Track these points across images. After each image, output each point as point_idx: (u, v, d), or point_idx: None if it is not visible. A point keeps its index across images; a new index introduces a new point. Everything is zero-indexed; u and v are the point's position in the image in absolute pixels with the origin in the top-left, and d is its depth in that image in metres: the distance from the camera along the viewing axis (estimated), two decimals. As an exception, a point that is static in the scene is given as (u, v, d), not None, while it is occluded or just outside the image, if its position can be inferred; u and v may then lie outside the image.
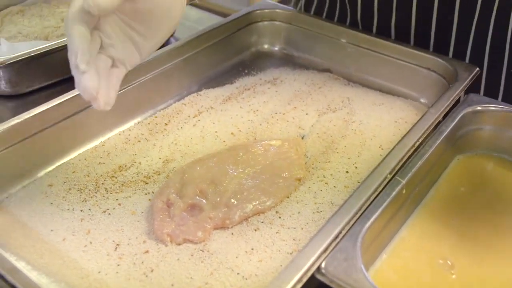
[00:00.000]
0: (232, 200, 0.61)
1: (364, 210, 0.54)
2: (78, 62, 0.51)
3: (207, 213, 0.60)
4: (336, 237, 0.51)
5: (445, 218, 0.63)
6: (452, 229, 0.61)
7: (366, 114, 0.81)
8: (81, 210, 0.62)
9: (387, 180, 0.58)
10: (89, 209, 0.62)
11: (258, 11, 0.97)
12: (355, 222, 0.53)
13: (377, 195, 0.56)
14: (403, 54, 0.86)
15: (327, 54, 0.94)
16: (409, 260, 0.57)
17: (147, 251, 0.57)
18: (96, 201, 0.63)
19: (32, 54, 0.79)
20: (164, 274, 0.54)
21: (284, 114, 0.80)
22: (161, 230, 0.58)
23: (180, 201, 0.61)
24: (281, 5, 1.00)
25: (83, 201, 0.63)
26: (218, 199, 0.61)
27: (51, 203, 0.63)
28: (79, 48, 0.51)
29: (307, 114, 0.81)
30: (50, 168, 0.68)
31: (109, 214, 0.62)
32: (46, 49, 0.80)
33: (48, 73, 0.84)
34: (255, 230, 0.60)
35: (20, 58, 0.78)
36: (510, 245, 0.60)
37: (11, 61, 0.77)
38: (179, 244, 0.57)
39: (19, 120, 0.64)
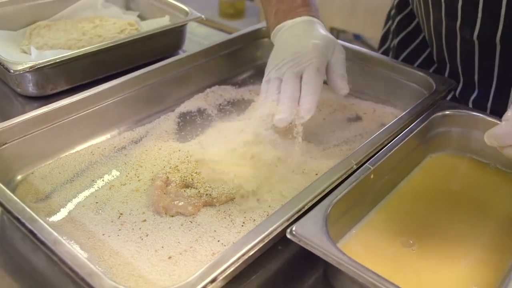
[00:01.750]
0: (221, 183, 0.73)
1: (332, 190, 0.65)
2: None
3: (198, 192, 0.72)
4: (300, 209, 0.63)
5: (413, 206, 0.73)
6: (418, 215, 0.72)
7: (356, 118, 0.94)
8: (94, 186, 0.75)
9: (353, 168, 0.69)
10: (101, 186, 0.75)
11: (264, 28, 1.10)
12: (321, 198, 0.64)
13: (345, 179, 0.67)
14: (393, 69, 0.99)
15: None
16: (375, 237, 0.68)
17: (144, 220, 0.69)
18: (109, 179, 0.76)
19: (58, 61, 0.92)
20: (156, 238, 0.66)
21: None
22: (158, 203, 0.70)
23: (177, 180, 0.73)
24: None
25: (98, 177, 0.76)
26: (210, 181, 0.73)
27: (69, 180, 0.76)
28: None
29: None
30: (72, 151, 0.81)
31: (116, 190, 0.74)
32: (70, 57, 0.94)
33: (70, 78, 0.97)
34: (239, 208, 0.71)
35: (47, 64, 0.91)
36: (464, 230, 0.70)
37: (39, 66, 0.91)
38: (172, 216, 0.70)
39: (48, 109, 0.78)
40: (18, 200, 0.60)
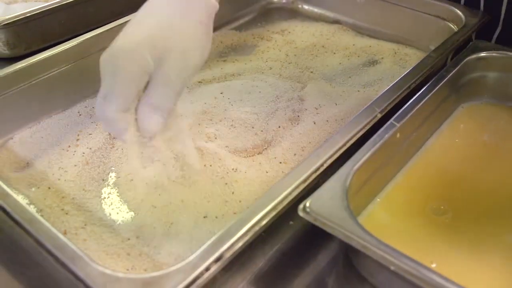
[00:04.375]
0: None
1: (352, 149, 0.57)
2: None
3: None
4: (317, 169, 0.55)
5: (444, 166, 0.64)
6: (450, 177, 0.63)
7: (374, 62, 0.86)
8: (79, 150, 0.68)
9: (377, 118, 0.61)
10: (90, 150, 0.68)
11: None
12: (336, 160, 0.57)
13: (364, 135, 0.59)
14: (412, 2, 0.89)
15: (336, 5, 0.97)
16: (402, 204, 0.59)
17: None
18: (94, 142, 0.69)
19: (28, 15, 0.83)
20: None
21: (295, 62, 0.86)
22: None
23: None
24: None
25: (84, 141, 0.69)
26: None
27: (53, 144, 0.69)
28: None
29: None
30: (56, 112, 0.75)
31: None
32: (43, 10, 0.84)
33: (47, 35, 0.88)
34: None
35: (16, 19, 0.82)
36: (507, 195, 0.61)
37: (7, 22, 0.81)
38: None
39: (23, 64, 0.71)
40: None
